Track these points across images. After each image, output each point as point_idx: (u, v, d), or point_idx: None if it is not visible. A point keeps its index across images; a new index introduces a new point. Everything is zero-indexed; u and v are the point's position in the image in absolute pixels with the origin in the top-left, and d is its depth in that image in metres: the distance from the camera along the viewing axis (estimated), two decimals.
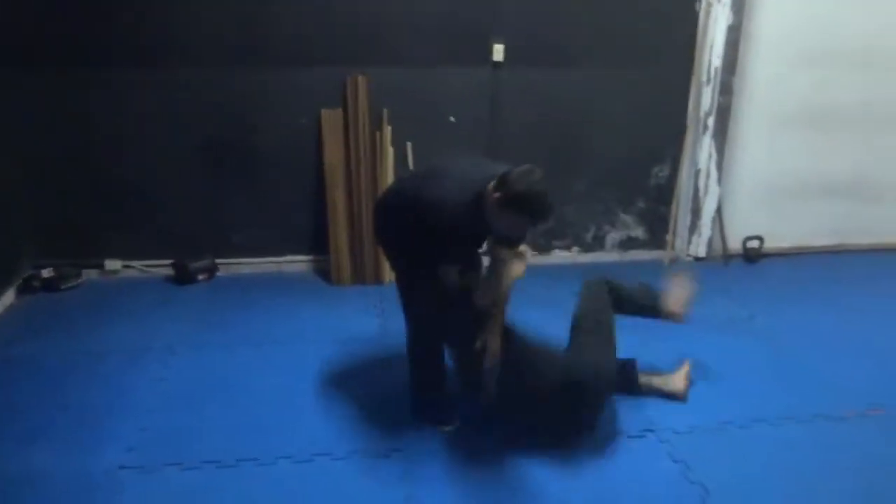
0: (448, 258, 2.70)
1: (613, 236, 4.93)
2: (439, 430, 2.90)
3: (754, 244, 4.96)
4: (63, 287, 4.26)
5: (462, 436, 2.87)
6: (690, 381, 3.17)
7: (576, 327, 2.95)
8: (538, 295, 3.89)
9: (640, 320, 3.13)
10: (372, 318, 3.95)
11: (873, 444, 2.84)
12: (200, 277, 4.43)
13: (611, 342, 2.91)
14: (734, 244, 4.97)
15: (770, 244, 4.99)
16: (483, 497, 2.53)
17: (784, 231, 5.04)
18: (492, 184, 2.46)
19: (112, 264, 4.44)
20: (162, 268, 4.49)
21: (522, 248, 2.78)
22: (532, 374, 2.75)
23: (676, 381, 3.14)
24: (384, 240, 2.91)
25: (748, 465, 2.63)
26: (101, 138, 4.22)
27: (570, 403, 2.75)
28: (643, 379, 3.13)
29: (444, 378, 2.95)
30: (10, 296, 4.10)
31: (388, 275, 4.43)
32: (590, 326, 2.92)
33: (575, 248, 4.92)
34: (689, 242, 4.93)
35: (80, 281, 4.36)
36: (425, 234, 2.57)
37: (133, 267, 4.49)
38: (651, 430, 2.90)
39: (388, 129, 4.33)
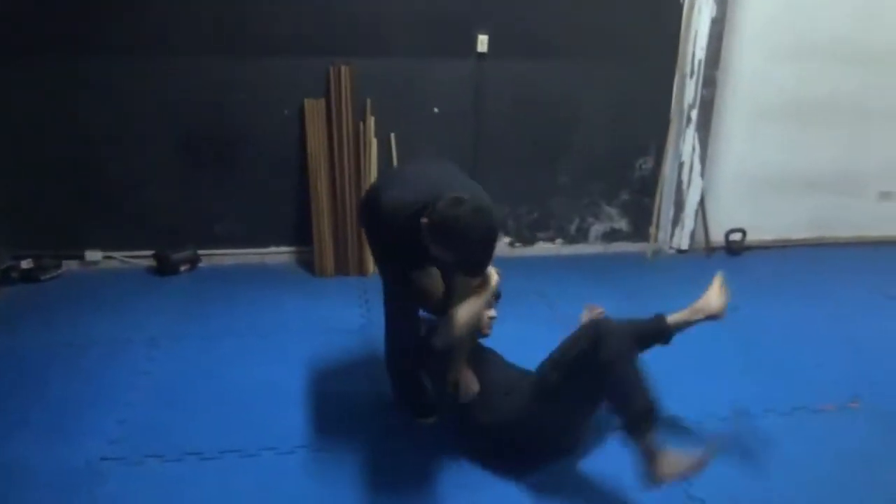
0: (414, 263, 2.56)
1: (597, 228, 4.94)
2: (419, 422, 2.90)
3: (737, 237, 4.99)
4: (43, 278, 4.22)
5: (444, 429, 2.86)
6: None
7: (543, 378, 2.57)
8: (520, 287, 3.90)
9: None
10: (355, 310, 3.94)
11: (852, 437, 2.87)
12: (183, 269, 4.39)
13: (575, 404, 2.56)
14: (717, 237, 5.00)
15: (752, 237, 5.02)
16: (461, 495, 2.53)
17: (766, 224, 5.07)
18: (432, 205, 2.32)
19: (93, 255, 4.40)
20: (143, 259, 4.45)
21: (490, 272, 2.56)
22: (490, 402, 2.65)
23: (711, 301, 2.81)
24: (366, 231, 2.87)
25: (729, 457, 2.64)
26: (81, 128, 4.17)
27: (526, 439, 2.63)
28: (672, 320, 2.78)
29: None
30: None
31: (372, 266, 4.42)
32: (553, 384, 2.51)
33: (558, 240, 4.92)
34: (672, 235, 4.95)
35: (60, 272, 4.31)
36: (389, 233, 2.52)
37: (114, 258, 4.45)
38: None
39: (371, 120, 4.31)
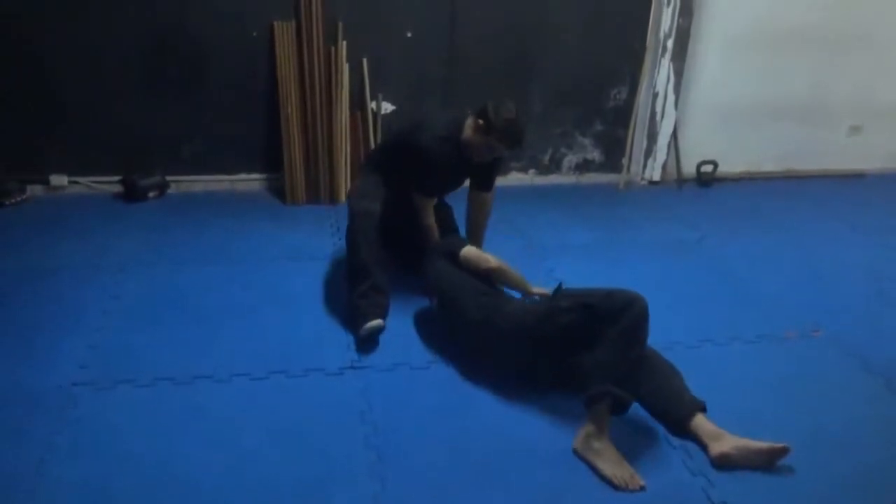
0: (425, 187, 3.11)
1: (570, 159, 4.93)
2: (366, 328, 2.87)
3: (708, 169, 5.02)
4: (7, 203, 4.13)
5: (417, 355, 2.91)
6: None
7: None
8: (494, 217, 3.88)
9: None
10: (327, 238, 3.92)
11: (813, 363, 2.95)
12: (151, 195, 4.32)
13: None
14: (688, 168, 5.02)
15: (723, 169, 5.04)
16: (439, 419, 2.57)
17: (737, 156, 5.09)
18: (472, 113, 2.93)
19: (58, 180, 4.31)
20: (110, 184, 4.37)
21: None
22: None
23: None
24: (401, 160, 3.14)
25: (694, 382, 2.69)
26: (42, 45, 4.02)
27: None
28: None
29: (379, 273, 3.02)
30: None
31: (343, 194, 4.40)
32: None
33: (531, 171, 4.91)
34: (645, 166, 4.96)
35: (24, 197, 4.22)
36: (406, 159, 3.04)
37: (80, 183, 4.36)
38: None
39: (343, 44, 4.21)
